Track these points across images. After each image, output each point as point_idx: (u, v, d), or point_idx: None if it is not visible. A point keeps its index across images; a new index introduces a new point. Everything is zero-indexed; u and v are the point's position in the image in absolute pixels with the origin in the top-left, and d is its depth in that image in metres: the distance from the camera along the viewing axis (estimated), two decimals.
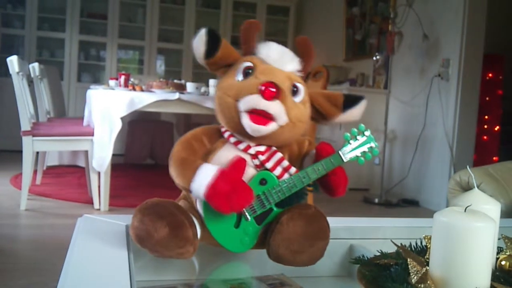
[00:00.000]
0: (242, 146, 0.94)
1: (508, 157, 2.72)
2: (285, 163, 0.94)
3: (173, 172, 0.93)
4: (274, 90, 0.89)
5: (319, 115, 0.99)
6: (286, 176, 0.92)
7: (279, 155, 0.94)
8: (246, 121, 0.90)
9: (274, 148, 0.95)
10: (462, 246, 0.65)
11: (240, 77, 0.94)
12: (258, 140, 0.93)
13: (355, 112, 0.98)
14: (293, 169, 0.93)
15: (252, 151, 0.93)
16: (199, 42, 0.94)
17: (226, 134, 0.96)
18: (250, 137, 0.93)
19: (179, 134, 5.66)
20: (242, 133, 0.93)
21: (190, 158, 0.92)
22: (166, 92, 3.39)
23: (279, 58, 0.95)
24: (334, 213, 1.06)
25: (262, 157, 0.93)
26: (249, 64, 0.94)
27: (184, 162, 0.92)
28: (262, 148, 0.94)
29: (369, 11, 5.45)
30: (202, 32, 0.94)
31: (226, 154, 0.94)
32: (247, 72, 0.93)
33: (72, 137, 3.27)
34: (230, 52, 0.96)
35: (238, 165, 0.90)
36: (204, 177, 0.87)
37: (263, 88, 0.89)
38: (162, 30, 6.67)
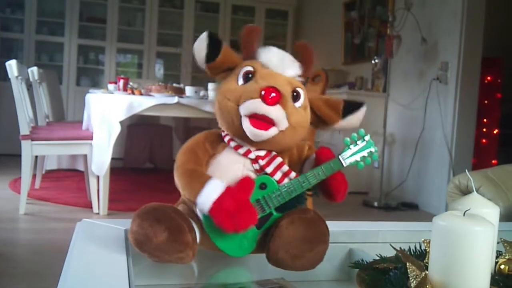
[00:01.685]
0: (242, 150, 0.94)
1: (507, 160, 2.73)
2: (285, 168, 0.94)
3: (179, 183, 0.93)
4: (275, 94, 0.89)
5: (318, 121, 0.99)
6: (286, 181, 0.92)
7: (279, 159, 0.94)
8: (247, 126, 0.90)
9: (274, 153, 0.95)
10: (461, 250, 0.65)
11: (240, 81, 0.94)
12: (259, 144, 0.93)
13: (355, 119, 0.98)
14: (293, 174, 0.93)
15: (252, 155, 0.93)
16: (200, 46, 0.94)
17: (226, 139, 0.96)
18: (250, 142, 0.93)
19: (178, 138, 5.66)
20: (242, 138, 0.93)
21: (198, 169, 0.93)
22: (165, 96, 3.39)
23: (279, 63, 0.95)
24: (333, 217, 1.06)
25: (262, 162, 0.93)
26: (249, 68, 0.94)
27: (192, 174, 0.92)
28: (262, 153, 0.94)
29: (367, 14, 5.46)
30: (203, 36, 0.94)
31: (226, 158, 0.94)
32: (247, 77, 0.93)
33: (71, 141, 3.27)
34: (230, 56, 0.96)
35: (246, 184, 0.89)
36: (212, 192, 0.87)
37: (264, 92, 0.89)
38: (161, 34, 6.68)
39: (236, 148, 0.94)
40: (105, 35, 6.45)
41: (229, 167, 0.93)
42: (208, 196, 0.87)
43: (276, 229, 0.89)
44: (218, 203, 0.86)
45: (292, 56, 0.98)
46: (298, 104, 0.94)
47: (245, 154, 0.93)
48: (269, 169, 0.93)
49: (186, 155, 0.95)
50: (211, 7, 6.89)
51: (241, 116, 0.91)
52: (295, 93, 0.94)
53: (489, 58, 4.56)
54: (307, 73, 0.99)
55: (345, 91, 4.91)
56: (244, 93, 0.91)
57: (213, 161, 0.95)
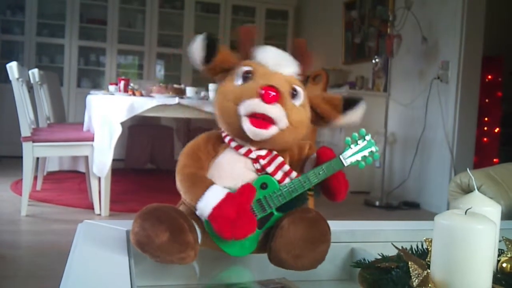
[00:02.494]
0: (243, 150, 0.93)
1: (508, 158, 2.72)
2: (286, 167, 0.94)
3: (181, 187, 0.92)
4: (274, 93, 0.89)
5: (319, 118, 0.99)
6: (287, 180, 0.92)
7: (280, 159, 0.94)
8: (247, 125, 0.90)
9: (275, 152, 0.95)
10: (463, 248, 0.65)
11: (239, 81, 0.94)
12: (259, 144, 0.93)
13: (355, 115, 0.98)
14: (294, 174, 0.93)
15: (253, 155, 0.93)
16: (196, 48, 0.94)
17: (227, 139, 0.96)
18: (251, 141, 0.93)
19: (179, 138, 5.66)
20: (243, 137, 0.93)
21: (199, 174, 0.92)
22: (166, 97, 3.39)
23: (277, 62, 0.96)
24: (335, 217, 1.06)
25: (263, 162, 0.93)
26: (248, 68, 0.94)
27: (194, 178, 0.91)
28: (263, 152, 0.94)
29: (368, 14, 5.46)
30: (200, 38, 0.94)
31: (227, 158, 0.94)
32: (246, 77, 0.93)
33: (72, 142, 3.27)
34: (228, 57, 0.96)
35: (247, 192, 0.89)
36: (212, 198, 0.87)
37: (263, 91, 0.89)
38: (161, 35, 6.68)
39: (237, 148, 0.94)
40: (105, 37, 6.46)
41: (230, 167, 0.93)
42: (208, 202, 0.87)
43: (277, 229, 0.89)
44: (218, 209, 0.85)
45: (289, 55, 0.98)
46: (297, 102, 0.94)
47: (246, 154, 0.93)
48: (270, 169, 0.93)
49: (188, 158, 0.95)
50: (211, 8, 6.89)
51: (240, 116, 0.91)
52: (294, 92, 0.94)
53: (490, 57, 4.56)
54: (305, 71, 0.99)
55: (345, 91, 4.91)
56: (243, 93, 0.91)
57: (214, 162, 0.95)
